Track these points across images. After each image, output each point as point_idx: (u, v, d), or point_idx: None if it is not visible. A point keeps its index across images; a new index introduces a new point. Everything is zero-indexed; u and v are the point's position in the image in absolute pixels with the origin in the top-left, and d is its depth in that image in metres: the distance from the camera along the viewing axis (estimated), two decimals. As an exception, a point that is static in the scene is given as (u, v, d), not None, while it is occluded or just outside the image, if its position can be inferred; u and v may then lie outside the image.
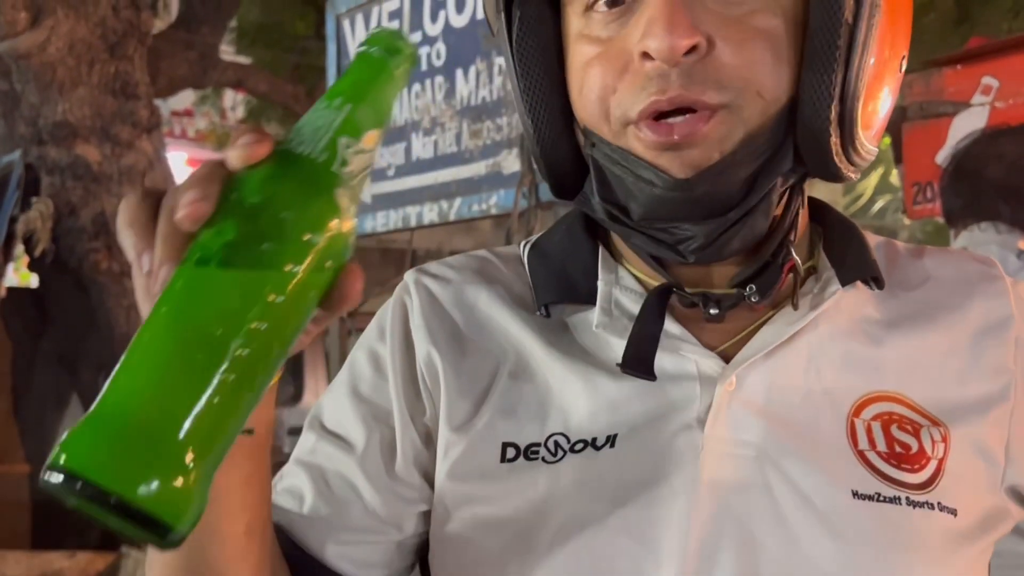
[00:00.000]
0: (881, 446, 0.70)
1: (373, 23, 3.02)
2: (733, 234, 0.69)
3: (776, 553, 0.67)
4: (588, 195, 0.74)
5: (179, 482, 0.47)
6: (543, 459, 0.71)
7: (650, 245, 0.71)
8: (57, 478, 0.46)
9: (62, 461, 0.46)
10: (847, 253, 0.76)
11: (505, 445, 0.73)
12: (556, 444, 0.72)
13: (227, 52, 6.52)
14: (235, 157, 0.51)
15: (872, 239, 0.81)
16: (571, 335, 0.76)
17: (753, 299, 0.71)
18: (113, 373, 0.49)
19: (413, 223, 2.85)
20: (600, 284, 0.76)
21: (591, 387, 0.73)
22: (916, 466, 0.70)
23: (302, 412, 6.24)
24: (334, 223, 0.53)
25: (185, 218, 0.50)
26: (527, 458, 0.72)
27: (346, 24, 3.14)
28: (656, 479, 0.69)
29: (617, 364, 0.72)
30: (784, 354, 0.72)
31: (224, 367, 0.49)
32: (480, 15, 2.59)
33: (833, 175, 0.71)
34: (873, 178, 8.78)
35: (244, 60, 6.83)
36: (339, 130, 0.54)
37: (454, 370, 0.76)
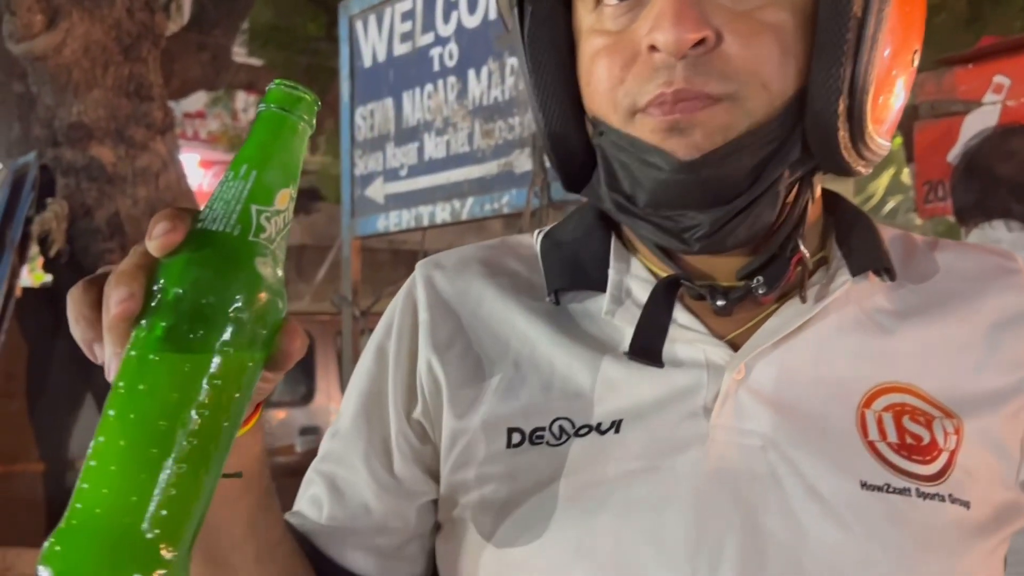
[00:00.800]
0: (892, 437, 0.70)
1: (386, 25, 3.03)
2: (739, 223, 0.69)
3: (783, 543, 0.66)
4: (596, 186, 0.75)
5: (153, 575, 0.50)
6: (547, 443, 0.72)
7: (656, 234, 0.71)
8: None
9: (45, 572, 0.49)
10: (858, 244, 0.76)
11: (510, 430, 0.73)
12: (561, 428, 0.72)
13: (239, 54, 6.55)
14: (153, 247, 0.54)
15: (888, 232, 0.81)
16: (579, 323, 0.77)
17: (760, 291, 0.71)
18: (80, 474, 0.51)
19: (425, 222, 2.86)
20: (611, 272, 0.77)
21: (597, 373, 0.73)
22: (927, 457, 0.69)
23: (313, 412, 6.26)
24: (260, 294, 0.54)
25: (116, 317, 0.53)
26: (532, 443, 0.73)
27: (359, 26, 3.15)
28: (660, 466, 0.69)
29: (624, 352, 0.72)
30: (794, 343, 0.72)
31: (175, 458, 0.51)
32: (492, 15, 2.60)
33: (842, 168, 0.71)
34: (884, 178, 8.75)
35: (256, 62, 6.86)
36: (249, 198, 0.55)
37: (457, 364, 0.77)
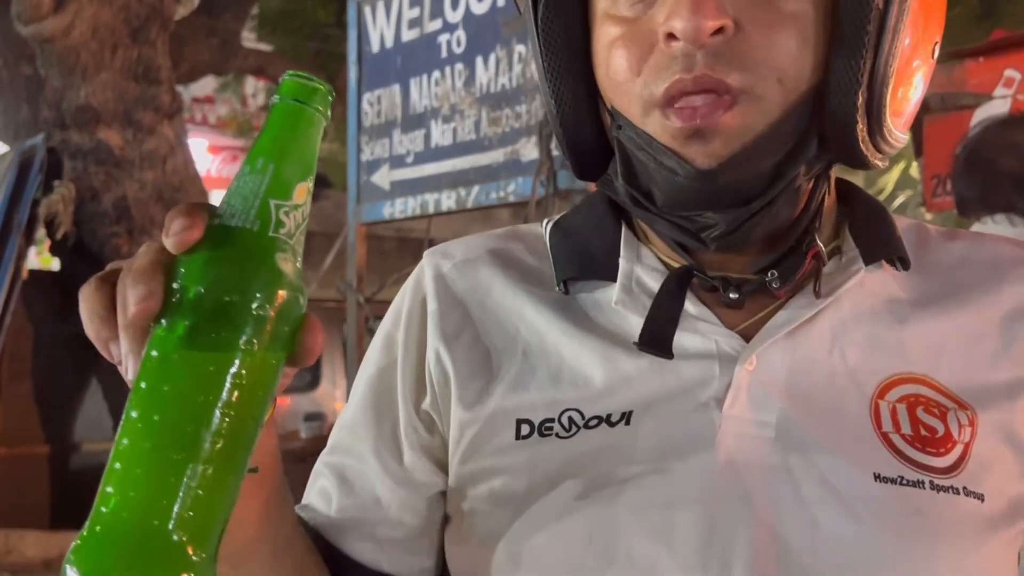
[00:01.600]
0: (906, 429, 0.69)
1: (394, 11, 3.02)
2: (756, 223, 0.68)
3: (796, 536, 0.65)
4: (612, 177, 0.74)
5: None
6: (556, 434, 0.71)
7: (672, 231, 0.71)
8: None
9: (74, 574, 0.49)
10: (872, 233, 0.75)
11: (519, 422, 0.72)
12: (570, 420, 0.71)
13: (249, 39, 6.55)
14: (172, 244, 0.52)
15: (902, 221, 0.80)
16: (588, 313, 0.76)
17: (775, 285, 0.70)
18: (104, 477, 0.50)
19: (431, 210, 2.85)
20: (621, 261, 0.76)
21: (607, 363, 0.73)
22: (942, 450, 0.68)
23: (318, 398, 6.27)
24: (282, 291, 0.53)
25: (135, 316, 0.51)
26: (541, 434, 0.72)
27: (367, 12, 3.14)
28: (671, 457, 0.68)
29: (634, 342, 0.71)
30: (806, 334, 0.71)
31: (201, 459, 0.50)
32: (501, 2, 2.59)
33: (859, 162, 0.70)
34: (895, 172, 8.71)
35: (265, 47, 6.86)
36: (267, 193, 0.54)
37: (465, 354, 0.76)
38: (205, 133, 9.70)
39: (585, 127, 0.74)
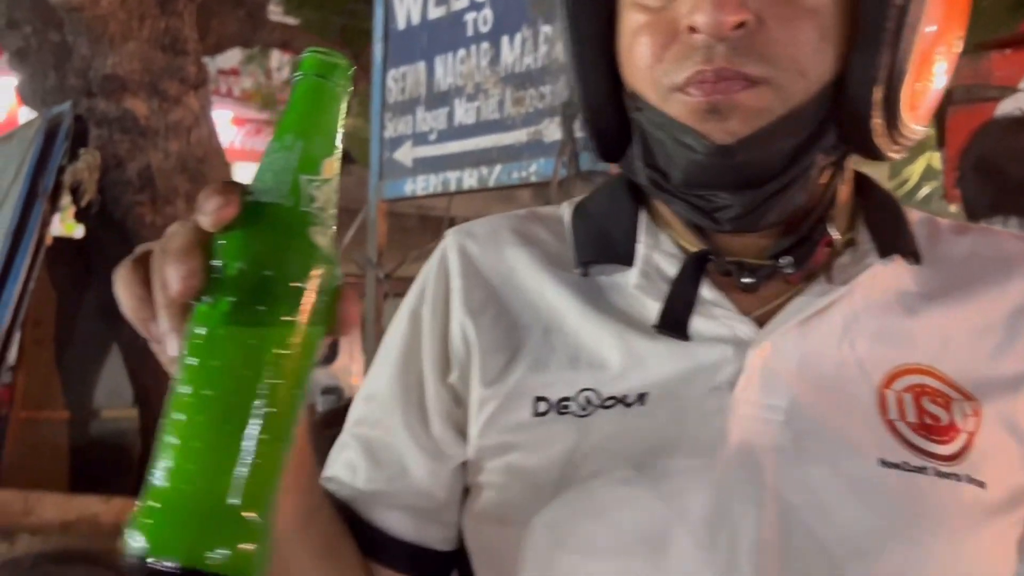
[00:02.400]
0: (911, 417, 0.71)
1: (421, -13, 3.02)
2: (770, 206, 0.69)
3: (804, 518, 0.67)
4: (632, 159, 0.76)
5: (244, 543, 0.52)
6: (573, 413, 0.73)
7: (688, 211, 0.72)
8: (137, 562, 0.51)
9: (139, 547, 0.51)
10: (887, 227, 0.77)
11: (537, 399, 0.74)
12: (587, 399, 0.73)
13: (275, 12, 6.55)
14: (208, 222, 0.54)
15: (914, 215, 0.81)
16: (607, 295, 0.78)
17: (788, 270, 0.72)
18: (159, 453, 0.52)
19: (453, 188, 2.86)
20: (640, 246, 0.77)
21: (624, 346, 0.74)
22: (945, 438, 0.70)
23: (335, 372, 6.30)
24: (320, 263, 0.55)
25: (179, 295, 0.53)
26: (558, 412, 0.73)
27: (394, -12, 3.14)
28: (683, 439, 0.70)
29: (652, 325, 0.73)
30: (819, 323, 0.73)
31: (254, 431, 0.52)
32: (528, -18, 2.58)
33: (875, 154, 0.72)
34: (920, 163, 8.63)
35: (292, 21, 6.85)
36: (298, 169, 0.55)
37: (489, 329, 0.78)
38: (230, 105, 9.72)
39: (608, 109, 0.76)
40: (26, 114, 4.94)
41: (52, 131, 3.86)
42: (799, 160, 0.69)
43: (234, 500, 0.51)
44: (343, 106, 0.58)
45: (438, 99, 2.95)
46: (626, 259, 0.77)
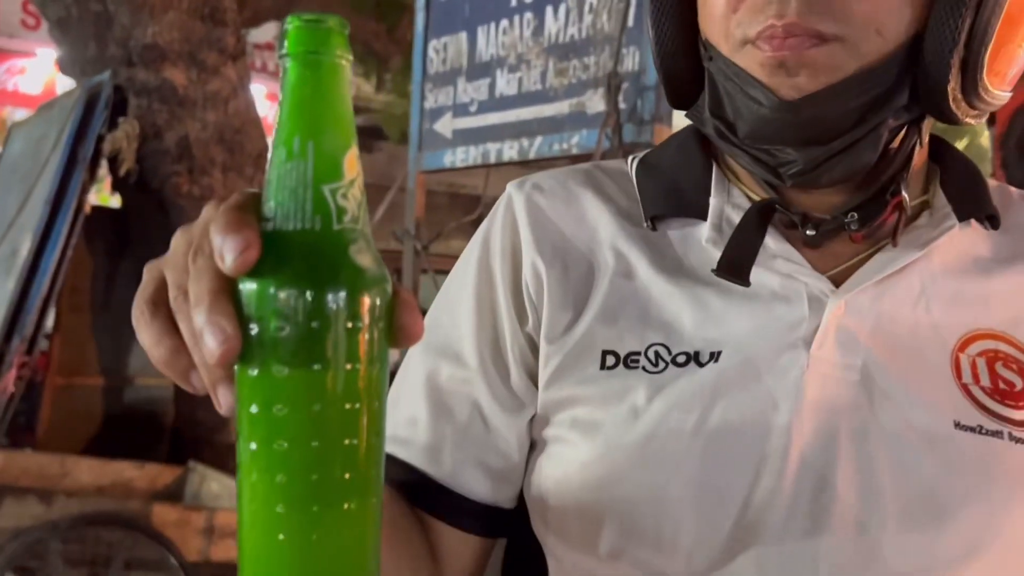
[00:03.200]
0: (985, 381, 0.70)
1: (462, -41, 3.00)
2: (834, 164, 0.69)
3: (881, 472, 0.67)
4: (701, 108, 0.75)
5: None
6: (644, 368, 0.72)
7: (752, 165, 0.72)
8: None
9: None
10: (965, 190, 0.76)
11: (605, 353, 0.73)
12: (656, 354, 0.72)
13: (312, -14, 6.55)
14: (231, 270, 0.45)
15: (989, 182, 0.80)
16: (677, 250, 0.76)
17: (853, 227, 0.72)
18: (243, 549, 0.47)
19: (492, 160, 2.85)
20: (712, 200, 0.76)
21: (696, 302, 0.73)
22: (1020, 403, 0.70)
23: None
24: (368, 287, 0.47)
25: (219, 362, 0.45)
26: (627, 366, 0.72)
27: (435, -41, 3.13)
28: (759, 396, 0.69)
29: (712, 269, 0.72)
30: (895, 284, 0.72)
31: (342, 504, 0.46)
32: (573, -48, 2.56)
33: (949, 118, 0.71)
34: (963, 142, 8.56)
35: (328, -5, 6.84)
36: (317, 179, 0.46)
37: (558, 280, 0.76)
38: (264, 80, 9.73)
39: (681, 56, 0.76)
40: (63, 85, 4.97)
41: (92, 100, 3.90)
42: (867, 119, 0.68)
43: None
44: (348, 78, 0.48)
45: (479, 70, 2.94)
46: (698, 212, 0.76)
